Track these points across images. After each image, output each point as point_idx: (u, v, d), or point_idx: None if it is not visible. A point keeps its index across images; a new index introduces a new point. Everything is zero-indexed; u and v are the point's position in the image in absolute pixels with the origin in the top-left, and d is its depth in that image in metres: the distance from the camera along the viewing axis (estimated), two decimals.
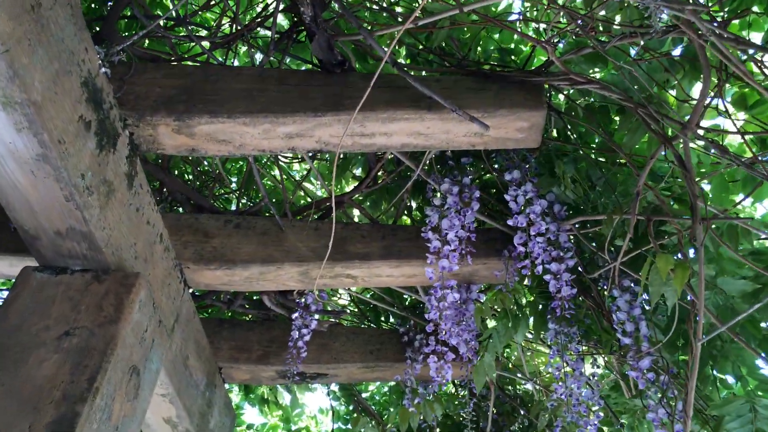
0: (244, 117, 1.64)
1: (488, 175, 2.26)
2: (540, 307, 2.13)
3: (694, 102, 1.65)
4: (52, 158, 1.32)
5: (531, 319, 2.16)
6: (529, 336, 2.62)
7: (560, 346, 1.92)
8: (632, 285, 1.77)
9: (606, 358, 2.23)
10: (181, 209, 2.56)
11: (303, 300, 2.40)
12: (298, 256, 2.07)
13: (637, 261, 1.79)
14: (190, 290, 2.10)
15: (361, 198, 2.39)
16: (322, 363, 2.52)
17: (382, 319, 2.93)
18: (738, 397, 1.54)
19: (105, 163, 1.51)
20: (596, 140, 2.17)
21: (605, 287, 1.88)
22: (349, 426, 2.71)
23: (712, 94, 1.67)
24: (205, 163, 2.82)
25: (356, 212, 2.68)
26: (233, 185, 2.98)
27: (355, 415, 2.94)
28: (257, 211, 2.22)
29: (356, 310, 2.98)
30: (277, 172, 3.08)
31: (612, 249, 1.82)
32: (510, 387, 2.69)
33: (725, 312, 1.56)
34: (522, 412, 2.57)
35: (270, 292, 2.41)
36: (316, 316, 2.37)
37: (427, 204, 2.12)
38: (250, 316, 2.86)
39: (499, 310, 2.06)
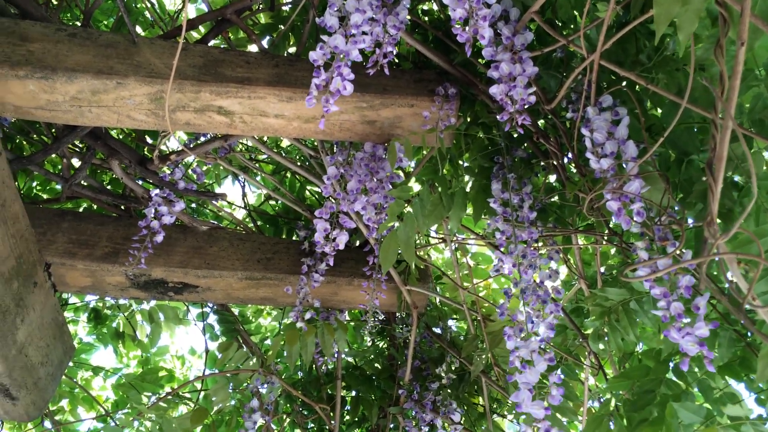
0: None
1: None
2: (483, 183, 1.56)
3: None
4: None
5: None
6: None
7: (509, 212, 1.35)
8: (614, 104, 1.23)
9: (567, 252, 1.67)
10: None
11: (169, 171, 1.79)
12: (151, 71, 1.47)
13: (627, 46, 1.25)
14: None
15: (258, 32, 1.81)
16: (191, 269, 1.88)
17: (284, 236, 2.31)
18: None
19: None
20: None
21: (574, 116, 1.33)
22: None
23: None
24: None
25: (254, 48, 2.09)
26: None
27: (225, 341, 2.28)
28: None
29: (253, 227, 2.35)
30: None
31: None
32: (440, 321, 2.08)
33: None
34: (451, 356, 1.97)
35: (120, 155, 1.79)
36: (179, 205, 1.74)
37: None
38: (114, 215, 2.22)
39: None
